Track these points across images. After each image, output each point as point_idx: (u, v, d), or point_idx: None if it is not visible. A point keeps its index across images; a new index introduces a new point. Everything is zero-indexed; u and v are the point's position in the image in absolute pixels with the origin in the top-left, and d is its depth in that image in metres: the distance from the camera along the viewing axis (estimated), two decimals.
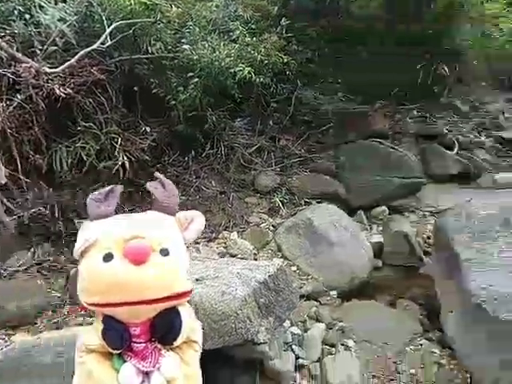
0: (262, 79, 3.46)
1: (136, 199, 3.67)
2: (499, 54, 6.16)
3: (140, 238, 0.98)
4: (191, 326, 1.09)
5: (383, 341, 2.80)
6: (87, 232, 1.03)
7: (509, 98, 6.93)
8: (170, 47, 3.40)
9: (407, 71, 5.15)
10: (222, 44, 3.18)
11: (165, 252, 1.00)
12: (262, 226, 3.95)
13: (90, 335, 1.06)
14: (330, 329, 2.94)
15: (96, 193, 1.07)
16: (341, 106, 5.05)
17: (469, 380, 2.47)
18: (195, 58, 3.08)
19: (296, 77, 4.51)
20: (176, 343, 1.06)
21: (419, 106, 5.26)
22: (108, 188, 1.07)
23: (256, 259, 3.48)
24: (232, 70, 3.07)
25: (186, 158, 4.08)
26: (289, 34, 3.66)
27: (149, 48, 3.32)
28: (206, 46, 3.13)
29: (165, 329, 1.03)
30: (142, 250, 0.96)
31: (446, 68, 5.02)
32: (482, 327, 2.38)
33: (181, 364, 1.07)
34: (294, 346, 2.65)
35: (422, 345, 2.80)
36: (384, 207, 4.53)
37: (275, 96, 4.64)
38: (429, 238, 3.94)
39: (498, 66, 6.73)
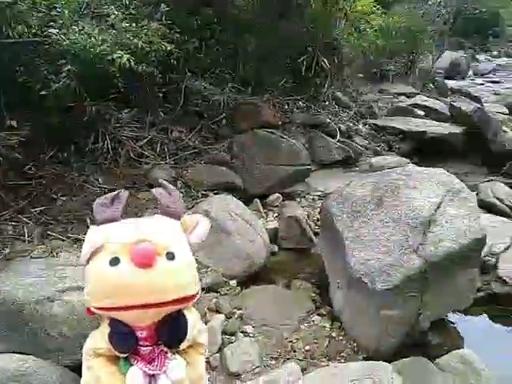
0: (145, 67, 3.28)
1: (7, 204, 3.25)
2: (371, 49, 6.82)
3: (146, 242, 0.98)
4: (198, 329, 1.10)
5: (280, 322, 2.92)
6: (94, 236, 1.03)
7: (381, 88, 7.76)
8: (36, 31, 3.02)
9: (292, 63, 5.41)
10: (96, 29, 2.92)
11: (170, 256, 1.00)
12: None
13: (97, 339, 1.05)
14: (230, 318, 2.96)
15: (102, 197, 1.08)
16: (232, 97, 5.08)
17: (356, 349, 2.72)
18: (66, 43, 2.79)
19: (184, 66, 4.40)
20: (182, 346, 1.07)
21: (305, 97, 5.56)
22: (114, 193, 1.09)
23: None
24: (110, 57, 2.85)
25: (66, 154, 3.72)
26: (169, 22, 3.52)
27: (9, 32, 2.91)
28: (78, 30, 2.85)
29: (171, 332, 1.04)
30: (147, 253, 0.97)
31: (325, 61, 5.37)
32: (363, 299, 2.63)
33: (187, 367, 1.07)
34: None
35: (314, 321, 2.98)
36: (278, 194, 4.72)
37: (164, 86, 4.48)
38: (318, 220, 4.22)
39: (371, 60, 7.47)
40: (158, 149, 4.50)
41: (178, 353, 1.07)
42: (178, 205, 1.11)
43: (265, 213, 4.51)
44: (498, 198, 4.83)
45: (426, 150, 6.10)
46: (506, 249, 3.50)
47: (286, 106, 5.42)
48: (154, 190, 1.13)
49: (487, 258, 3.40)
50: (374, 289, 2.50)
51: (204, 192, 4.24)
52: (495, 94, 10.37)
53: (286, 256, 4.00)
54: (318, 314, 3.06)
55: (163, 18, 3.48)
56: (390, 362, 2.39)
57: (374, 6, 6.30)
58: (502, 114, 7.96)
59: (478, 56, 16.53)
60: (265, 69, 5.47)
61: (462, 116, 6.09)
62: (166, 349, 1.04)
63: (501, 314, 3.17)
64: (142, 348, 1.03)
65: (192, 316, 1.08)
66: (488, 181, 5.42)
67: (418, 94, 7.72)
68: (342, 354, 2.70)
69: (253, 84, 5.45)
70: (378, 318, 2.56)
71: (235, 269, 3.47)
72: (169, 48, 3.33)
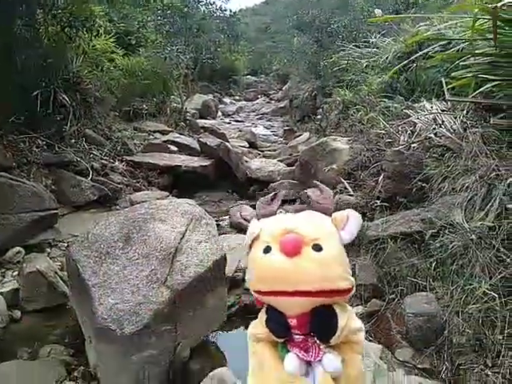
0: None
1: None
2: (119, 87, 6.80)
3: (294, 233, 1.04)
4: (350, 328, 1.08)
5: None
6: (252, 228, 1.11)
7: (135, 126, 7.84)
8: None
9: (24, 100, 4.79)
10: None
11: (317, 247, 1.03)
12: None
13: (257, 325, 1.11)
14: None
15: (265, 197, 1.23)
16: None
17: None
18: None
19: None
20: (332, 342, 1.05)
21: (45, 135, 4.98)
22: (274, 193, 1.25)
23: None
24: None
25: None
26: None
27: None
28: None
29: (319, 324, 1.05)
30: (294, 243, 1.02)
31: (65, 97, 4.99)
32: (115, 348, 2.41)
33: (342, 364, 1.07)
34: None
35: None
36: (19, 248, 4.00)
37: None
38: None
39: (122, 98, 7.47)
40: None
41: (332, 348, 1.08)
42: (328, 201, 1.19)
43: (1, 273, 3.73)
44: (244, 219, 5.52)
45: (183, 182, 6.47)
46: None
47: (22, 145, 4.71)
48: (307, 190, 1.19)
49: (237, 273, 3.76)
50: (123, 333, 2.32)
51: None
52: (239, 130, 12.12)
53: (32, 320, 3.37)
54: (71, 379, 2.66)
55: None
56: None
57: (115, 46, 6.34)
58: (243, 147, 9.37)
59: (224, 99, 19.14)
60: None
61: (209, 150, 6.77)
62: (318, 341, 1.07)
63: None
64: (295, 336, 1.07)
65: (345, 314, 1.08)
66: (237, 205, 6.15)
67: (172, 131, 8.18)
68: None
69: None
70: (132, 364, 2.38)
71: None
72: None
